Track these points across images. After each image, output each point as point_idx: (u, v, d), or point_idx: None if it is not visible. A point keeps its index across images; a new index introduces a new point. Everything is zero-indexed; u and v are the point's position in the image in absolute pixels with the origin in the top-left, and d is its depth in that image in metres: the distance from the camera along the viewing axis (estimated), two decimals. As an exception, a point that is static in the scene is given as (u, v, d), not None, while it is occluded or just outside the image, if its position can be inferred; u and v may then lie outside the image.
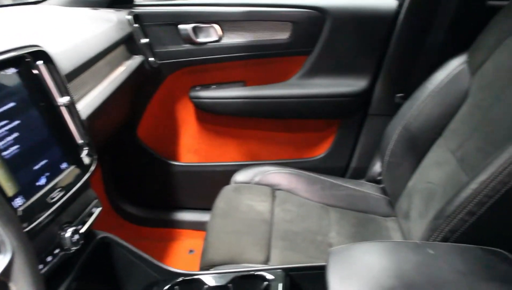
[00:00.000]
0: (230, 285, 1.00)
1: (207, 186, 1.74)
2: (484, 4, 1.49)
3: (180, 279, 1.05)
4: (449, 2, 1.47)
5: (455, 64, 1.32)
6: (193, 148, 1.84)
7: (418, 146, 1.34)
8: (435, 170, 1.25)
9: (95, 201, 1.03)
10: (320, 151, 1.76)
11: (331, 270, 0.83)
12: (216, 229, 1.29)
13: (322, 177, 1.53)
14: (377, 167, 1.59)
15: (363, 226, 1.36)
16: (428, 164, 1.30)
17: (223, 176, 1.57)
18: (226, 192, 1.45)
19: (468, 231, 0.92)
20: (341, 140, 1.73)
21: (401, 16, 1.53)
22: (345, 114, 1.70)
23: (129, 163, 1.86)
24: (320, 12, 1.57)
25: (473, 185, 0.92)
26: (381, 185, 1.54)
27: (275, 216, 1.34)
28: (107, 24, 1.41)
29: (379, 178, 1.57)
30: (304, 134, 1.76)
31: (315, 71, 1.64)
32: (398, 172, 1.39)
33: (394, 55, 1.57)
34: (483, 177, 0.91)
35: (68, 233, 0.89)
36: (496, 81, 1.16)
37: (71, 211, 0.94)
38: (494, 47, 1.20)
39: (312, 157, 1.76)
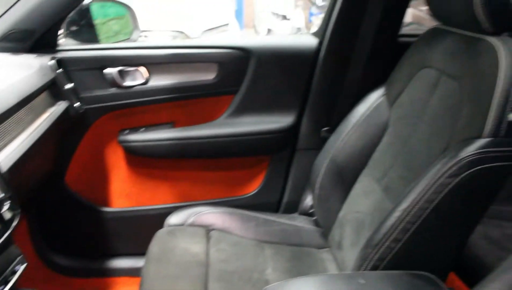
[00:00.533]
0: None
1: (141, 230, 1.70)
2: (396, 41, 1.60)
3: None
4: (365, 40, 1.56)
5: (375, 97, 1.39)
6: (125, 193, 1.80)
7: (345, 178, 1.39)
8: (363, 199, 1.29)
9: (19, 258, 0.98)
10: (253, 188, 1.78)
11: None
12: (151, 275, 1.26)
13: (256, 214, 1.54)
14: (308, 200, 1.62)
15: (299, 259, 1.38)
16: (356, 194, 1.35)
17: (156, 220, 1.54)
18: (160, 236, 1.42)
19: (396, 257, 0.96)
20: (272, 176, 1.76)
21: (322, 53, 1.60)
22: (274, 150, 1.73)
23: (58, 212, 1.78)
24: (244, 52, 1.61)
25: (397, 213, 0.96)
26: (314, 218, 1.57)
27: (210, 257, 1.33)
28: (28, 71, 1.38)
29: (311, 211, 1.60)
30: (235, 172, 1.77)
31: (242, 109, 1.67)
32: (329, 204, 1.42)
33: (317, 91, 1.63)
34: (405, 204, 0.96)
35: None
36: (412, 112, 1.23)
37: None
38: (407, 80, 1.29)
39: (245, 195, 1.78)
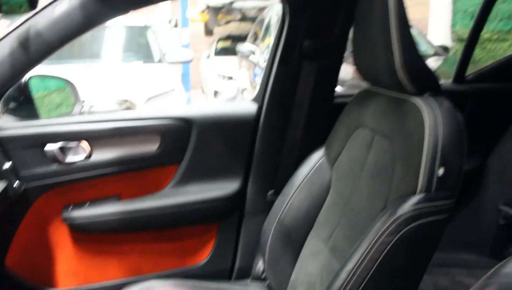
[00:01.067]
0: None
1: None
2: (331, 102, 1.67)
3: None
4: (302, 102, 1.62)
5: (316, 158, 1.43)
6: (71, 271, 1.73)
7: (294, 240, 1.40)
8: (312, 261, 1.30)
9: None
10: (203, 257, 1.75)
11: None
12: None
13: (207, 284, 1.51)
14: (260, 264, 1.61)
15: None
16: (305, 256, 1.36)
17: (106, 298, 1.49)
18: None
19: None
20: (222, 243, 1.74)
21: (262, 118, 1.64)
22: (222, 217, 1.73)
23: (-2, 298, 1.69)
24: (186, 122, 1.63)
25: (343, 275, 0.98)
26: (267, 282, 1.55)
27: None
28: None
29: (263, 275, 1.59)
30: (184, 242, 1.75)
31: (187, 178, 1.67)
32: (280, 267, 1.42)
33: (260, 155, 1.66)
34: (350, 265, 0.97)
35: None
36: (351, 171, 1.27)
37: None
38: (345, 140, 1.33)
39: (196, 264, 1.75)
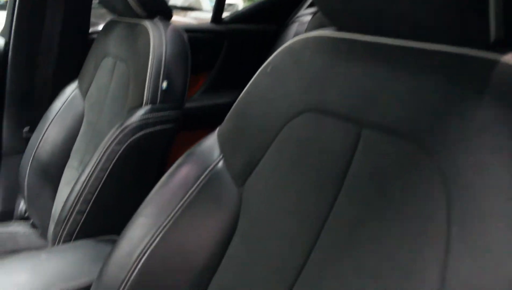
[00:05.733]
0: None
1: None
2: (86, 37, 1.67)
3: None
4: (52, 38, 1.59)
5: (69, 91, 1.44)
6: None
7: (52, 174, 1.40)
8: (66, 190, 1.33)
9: None
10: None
11: None
12: None
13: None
14: (22, 205, 1.58)
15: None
16: (62, 186, 1.37)
17: None
18: None
19: (84, 229, 1.03)
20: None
21: (10, 53, 1.57)
22: None
23: None
24: None
25: (77, 187, 1.03)
26: (31, 221, 1.54)
27: None
28: None
29: (26, 214, 1.56)
30: None
31: None
32: (40, 204, 1.41)
33: (11, 92, 1.59)
34: (83, 177, 1.03)
35: None
36: (98, 99, 1.31)
37: None
38: (94, 71, 1.36)
39: None
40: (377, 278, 0.53)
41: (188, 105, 1.24)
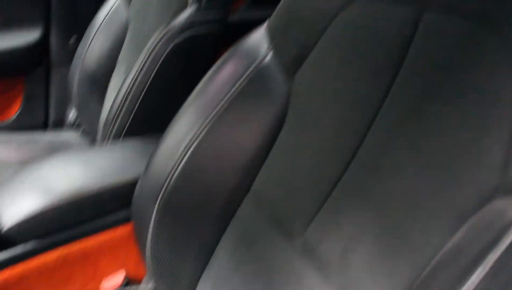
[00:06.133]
0: None
1: None
2: None
3: None
4: None
5: (114, 0, 1.42)
6: None
7: (99, 81, 1.41)
8: (113, 97, 1.34)
9: None
10: (12, 113, 1.70)
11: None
12: None
13: (17, 136, 1.49)
14: (73, 113, 1.62)
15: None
16: (110, 92, 1.38)
17: None
18: None
19: (131, 127, 1.04)
20: (32, 96, 1.69)
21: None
22: (27, 70, 1.66)
23: None
24: None
25: (124, 87, 1.03)
26: (82, 128, 1.58)
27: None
28: None
29: (77, 122, 1.60)
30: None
31: None
32: (90, 111, 1.44)
33: (58, 2, 1.58)
34: (130, 77, 1.02)
35: None
36: (144, 5, 1.29)
37: None
38: None
39: (5, 121, 1.69)
40: (433, 161, 0.51)
41: (232, 19, 1.20)
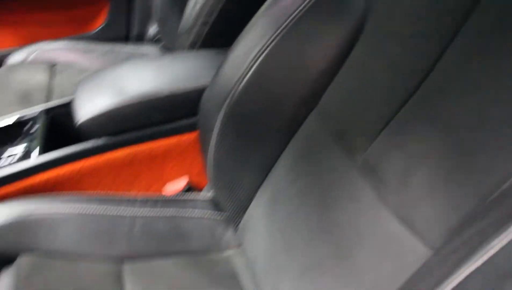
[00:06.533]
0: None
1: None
2: None
3: None
4: None
5: None
6: None
7: None
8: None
9: None
10: (97, 25, 1.75)
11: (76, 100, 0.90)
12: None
13: (101, 45, 1.54)
14: (154, 28, 1.65)
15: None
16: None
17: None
18: (-2, 74, 1.40)
19: (207, 39, 1.04)
20: (116, 10, 1.73)
21: None
22: None
23: None
24: None
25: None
26: (161, 44, 1.61)
27: (54, 88, 1.34)
28: None
29: (158, 37, 1.63)
30: (78, 10, 1.72)
31: None
32: (170, 25, 1.46)
33: None
34: None
35: None
36: None
37: None
38: None
39: (90, 32, 1.75)
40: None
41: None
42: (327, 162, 0.65)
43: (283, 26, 0.70)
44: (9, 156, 0.91)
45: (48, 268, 0.77)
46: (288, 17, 0.70)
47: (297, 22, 0.70)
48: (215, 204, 0.88)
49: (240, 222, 0.83)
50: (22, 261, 0.77)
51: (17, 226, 0.79)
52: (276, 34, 0.71)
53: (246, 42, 0.75)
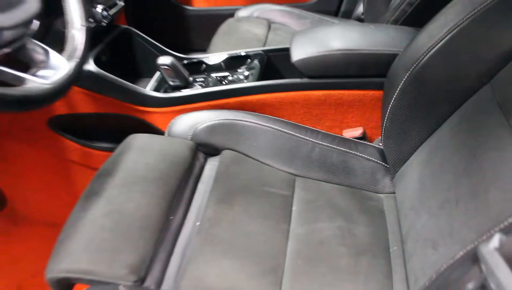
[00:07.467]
0: (222, 63, 1.29)
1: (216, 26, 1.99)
2: None
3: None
4: None
5: None
6: None
7: None
8: None
9: None
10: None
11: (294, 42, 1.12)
12: (219, 43, 1.58)
13: (312, 14, 1.78)
14: (360, 8, 1.83)
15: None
16: None
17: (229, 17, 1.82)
18: (228, 22, 1.72)
19: (410, 18, 1.18)
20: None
21: None
22: None
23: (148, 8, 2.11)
24: None
25: None
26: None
27: (268, 39, 1.61)
28: None
29: (362, 16, 1.81)
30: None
31: None
32: (378, 6, 1.62)
33: None
34: None
35: (99, 9, 1.17)
36: None
37: None
38: None
39: (307, 2, 1.99)
40: None
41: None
42: (486, 123, 0.77)
43: (477, 9, 0.83)
44: (233, 77, 1.19)
45: (243, 162, 1.01)
46: (484, 2, 0.82)
47: (490, 8, 0.82)
48: (381, 154, 1.04)
49: (397, 172, 0.99)
50: (225, 153, 1.02)
51: (228, 126, 1.04)
52: (470, 15, 0.83)
53: (442, 17, 0.88)
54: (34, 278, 1.26)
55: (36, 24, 0.77)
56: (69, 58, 0.81)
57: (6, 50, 0.71)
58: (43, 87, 0.72)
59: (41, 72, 0.76)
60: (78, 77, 0.80)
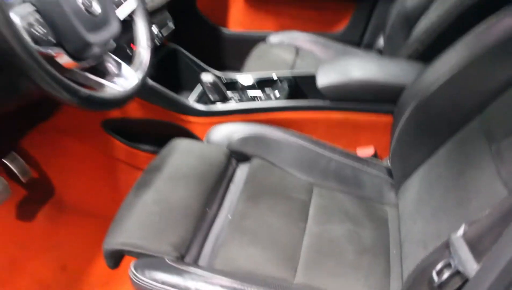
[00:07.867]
0: (255, 83, 1.48)
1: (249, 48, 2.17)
2: None
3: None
4: None
5: None
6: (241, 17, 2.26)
7: (412, 19, 1.72)
8: None
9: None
10: (339, 28, 2.17)
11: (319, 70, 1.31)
12: (252, 65, 1.76)
13: (337, 45, 1.96)
14: (381, 41, 2.00)
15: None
16: None
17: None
18: (261, 47, 1.91)
19: (420, 55, 1.35)
20: (357, 20, 2.12)
21: None
22: None
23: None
24: None
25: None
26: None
27: (296, 64, 1.79)
28: None
29: (382, 49, 1.98)
30: (325, 12, 2.15)
31: None
32: (395, 41, 1.79)
33: None
34: None
35: (154, 30, 1.36)
36: None
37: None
38: None
39: (332, 32, 2.17)
40: None
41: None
42: (473, 147, 0.93)
43: (475, 53, 0.98)
44: (264, 96, 1.37)
45: (269, 170, 1.18)
46: (482, 46, 0.98)
47: (486, 52, 0.97)
48: (389, 171, 1.20)
49: (401, 187, 1.15)
50: (254, 161, 1.19)
51: (257, 138, 1.21)
52: (469, 58, 0.99)
53: (447, 57, 1.05)
54: (75, 260, 1.43)
55: (112, 42, 0.95)
56: (136, 70, 1.00)
57: (92, 62, 0.89)
58: (118, 93, 0.91)
59: (115, 80, 0.95)
60: (143, 86, 0.99)
